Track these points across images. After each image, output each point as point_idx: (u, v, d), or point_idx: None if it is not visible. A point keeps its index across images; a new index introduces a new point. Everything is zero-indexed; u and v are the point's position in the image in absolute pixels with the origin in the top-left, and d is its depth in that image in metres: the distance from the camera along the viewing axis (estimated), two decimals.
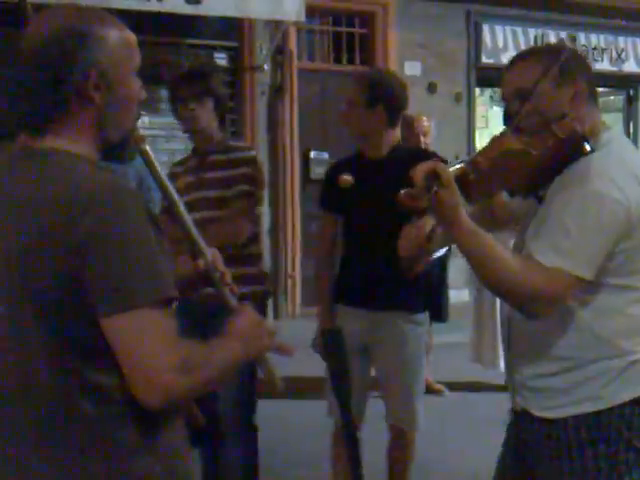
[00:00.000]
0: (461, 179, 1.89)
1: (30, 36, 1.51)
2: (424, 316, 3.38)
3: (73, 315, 1.43)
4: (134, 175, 3.94)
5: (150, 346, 1.41)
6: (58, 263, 1.41)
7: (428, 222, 2.20)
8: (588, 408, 1.97)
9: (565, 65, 1.99)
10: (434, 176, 1.82)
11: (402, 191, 1.87)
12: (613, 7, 9.84)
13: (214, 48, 8.02)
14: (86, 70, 1.49)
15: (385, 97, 3.28)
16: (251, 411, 3.42)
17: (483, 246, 1.89)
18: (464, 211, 1.88)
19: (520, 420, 2.12)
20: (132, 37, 1.58)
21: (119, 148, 1.60)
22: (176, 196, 1.75)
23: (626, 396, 1.96)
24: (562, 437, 1.99)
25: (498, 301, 5.84)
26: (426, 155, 3.43)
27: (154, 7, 6.39)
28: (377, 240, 3.22)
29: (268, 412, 3.85)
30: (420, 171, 1.83)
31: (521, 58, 2.07)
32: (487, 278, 1.95)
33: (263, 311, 3.47)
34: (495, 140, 1.96)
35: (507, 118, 2.05)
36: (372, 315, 3.30)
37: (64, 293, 1.42)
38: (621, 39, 10.33)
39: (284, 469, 4.07)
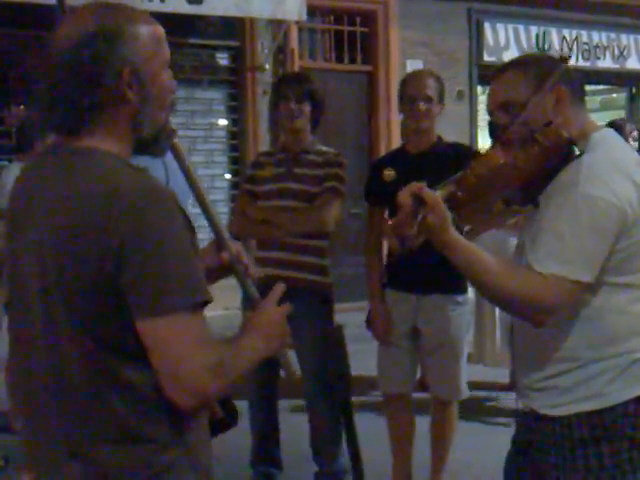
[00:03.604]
0: (449, 199, 1.88)
1: (61, 39, 1.51)
2: (465, 297, 3.66)
3: (106, 314, 1.44)
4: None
5: (186, 350, 1.43)
6: (93, 264, 1.42)
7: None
8: (591, 406, 1.96)
9: (542, 72, 1.99)
10: (420, 201, 1.83)
11: (390, 221, 1.88)
12: (615, 4, 9.84)
13: (216, 48, 8.03)
14: (119, 69, 1.50)
15: (443, 93, 3.64)
16: (331, 373, 3.72)
17: (479, 264, 1.90)
18: (454, 230, 1.88)
19: (527, 420, 2.12)
20: (161, 31, 1.59)
21: (152, 142, 1.60)
22: (203, 190, 1.76)
23: (630, 394, 1.96)
24: (566, 435, 1.99)
25: None
26: (464, 149, 3.74)
27: (156, 7, 6.41)
28: None
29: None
30: (406, 197, 1.84)
31: (501, 71, 2.07)
32: (487, 293, 1.96)
33: (329, 301, 3.82)
34: (482, 156, 1.96)
35: (493, 130, 2.06)
36: (418, 298, 3.59)
37: (98, 293, 1.43)
38: (623, 36, 10.32)
39: (287, 467, 4.07)
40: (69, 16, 1.56)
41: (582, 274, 1.87)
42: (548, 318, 1.91)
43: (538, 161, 1.91)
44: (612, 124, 5.94)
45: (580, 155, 1.91)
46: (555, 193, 1.93)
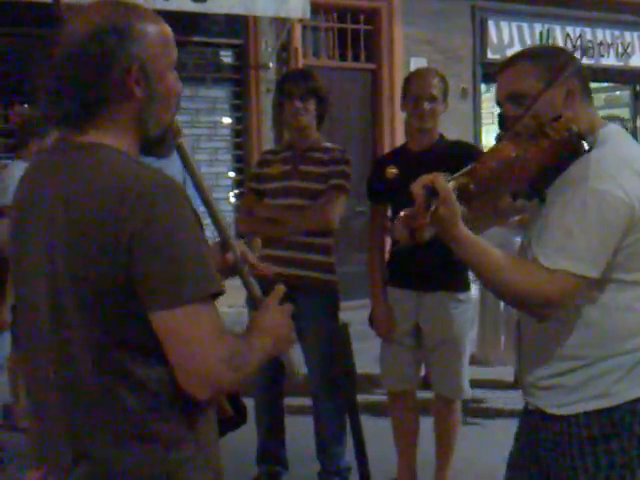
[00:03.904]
0: (461, 191, 1.87)
1: (70, 33, 1.51)
2: (467, 294, 3.65)
3: (119, 310, 1.44)
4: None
5: (201, 341, 1.43)
6: (105, 259, 1.42)
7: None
8: (599, 405, 1.96)
9: (555, 65, 1.98)
10: (433, 193, 1.81)
11: (402, 212, 1.87)
12: (619, 2, 9.83)
13: (220, 46, 8.03)
14: (127, 65, 1.50)
15: (447, 92, 3.62)
16: (337, 371, 3.73)
17: (486, 258, 1.89)
18: (463, 224, 1.87)
19: (533, 419, 2.11)
20: (169, 31, 1.59)
21: (158, 142, 1.61)
22: (208, 190, 1.77)
23: (637, 392, 1.96)
24: (574, 434, 1.99)
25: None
26: (466, 147, 3.72)
27: (160, 5, 6.41)
28: None
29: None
30: (419, 188, 1.83)
31: (511, 62, 2.07)
32: (494, 287, 1.96)
33: (335, 298, 3.80)
34: (493, 149, 1.95)
35: (502, 121, 2.05)
36: (420, 296, 3.58)
37: (111, 289, 1.43)
38: (627, 34, 10.31)
39: (292, 466, 4.08)
40: (80, 10, 1.56)
41: (589, 269, 1.86)
42: (553, 312, 1.91)
43: (548, 155, 1.91)
44: None
45: (589, 150, 1.91)
46: (563, 188, 1.92)
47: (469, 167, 1.92)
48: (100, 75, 1.49)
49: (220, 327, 1.47)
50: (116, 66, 1.49)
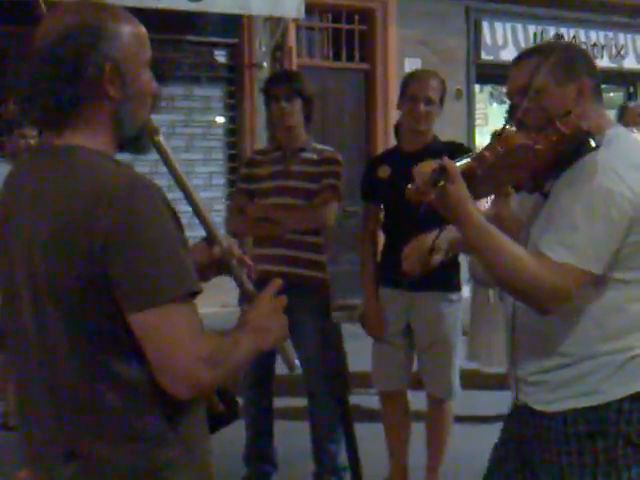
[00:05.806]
0: (468, 174, 1.87)
1: (44, 32, 1.53)
2: (459, 295, 3.68)
3: (96, 309, 1.45)
4: None
5: (178, 340, 1.43)
6: (81, 259, 1.42)
7: (429, 236, 2.24)
8: (587, 402, 1.98)
9: (569, 62, 2.00)
10: (441, 170, 1.81)
11: (409, 185, 1.87)
12: (613, 3, 9.84)
13: (214, 45, 8.02)
14: (101, 65, 1.51)
15: (444, 96, 3.65)
16: (331, 369, 3.79)
17: (494, 242, 1.88)
18: (473, 206, 1.86)
19: (521, 415, 2.13)
20: (143, 31, 1.61)
21: (134, 140, 1.62)
22: (191, 187, 1.77)
23: (625, 391, 1.97)
24: (561, 431, 2.00)
25: (492, 299, 5.82)
26: (460, 147, 3.69)
27: (153, 4, 6.39)
28: (414, 226, 3.32)
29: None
30: (427, 165, 1.83)
31: (525, 56, 2.07)
32: (498, 274, 1.94)
33: (327, 296, 3.83)
34: (501, 136, 1.95)
35: (512, 115, 2.05)
36: (411, 295, 3.60)
37: (87, 289, 1.43)
38: (621, 36, 10.32)
39: (280, 465, 4.08)
40: (54, 10, 1.58)
41: (594, 265, 1.88)
42: (555, 306, 1.91)
43: (555, 148, 1.93)
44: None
45: (597, 148, 1.92)
46: (570, 184, 1.94)
47: (477, 152, 1.93)
48: (74, 75, 1.50)
49: (198, 325, 1.47)
50: (89, 66, 1.50)
